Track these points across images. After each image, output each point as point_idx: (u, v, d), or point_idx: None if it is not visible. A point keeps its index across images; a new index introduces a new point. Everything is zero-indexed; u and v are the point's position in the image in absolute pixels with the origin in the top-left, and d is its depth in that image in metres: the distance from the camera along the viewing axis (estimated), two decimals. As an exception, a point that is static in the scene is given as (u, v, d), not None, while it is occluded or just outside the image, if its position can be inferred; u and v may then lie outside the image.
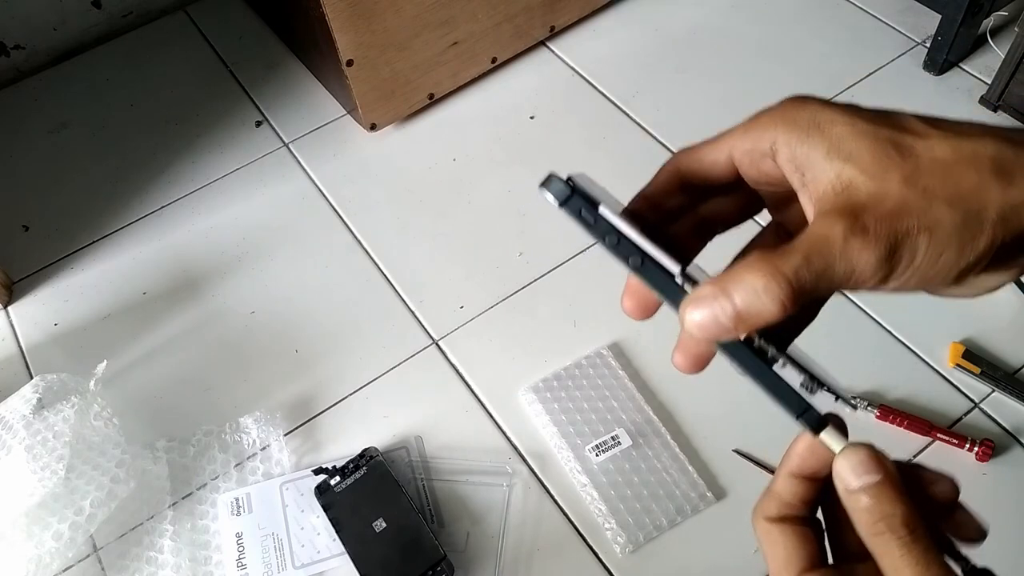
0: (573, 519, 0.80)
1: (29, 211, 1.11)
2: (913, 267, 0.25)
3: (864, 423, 0.82)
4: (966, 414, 0.83)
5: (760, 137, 0.27)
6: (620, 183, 1.14)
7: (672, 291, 0.27)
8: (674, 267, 0.26)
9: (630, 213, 0.30)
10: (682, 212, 0.31)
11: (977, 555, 0.28)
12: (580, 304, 0.93)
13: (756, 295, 0.24)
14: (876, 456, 0.27)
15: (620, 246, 0.27)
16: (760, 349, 0.27)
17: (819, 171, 0.26)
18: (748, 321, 0.25)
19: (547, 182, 0.28)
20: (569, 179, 0.28)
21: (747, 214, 0.32)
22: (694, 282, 0.27)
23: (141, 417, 0.89)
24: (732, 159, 0.29)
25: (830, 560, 0.28)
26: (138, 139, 1.18)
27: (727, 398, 0.81)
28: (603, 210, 0.27)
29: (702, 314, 0.25)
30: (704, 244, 0.32)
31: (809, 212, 0.26)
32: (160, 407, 0.91)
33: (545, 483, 0.82)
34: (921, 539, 0.25)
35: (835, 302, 0.97)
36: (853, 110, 0.26)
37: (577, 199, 0.27)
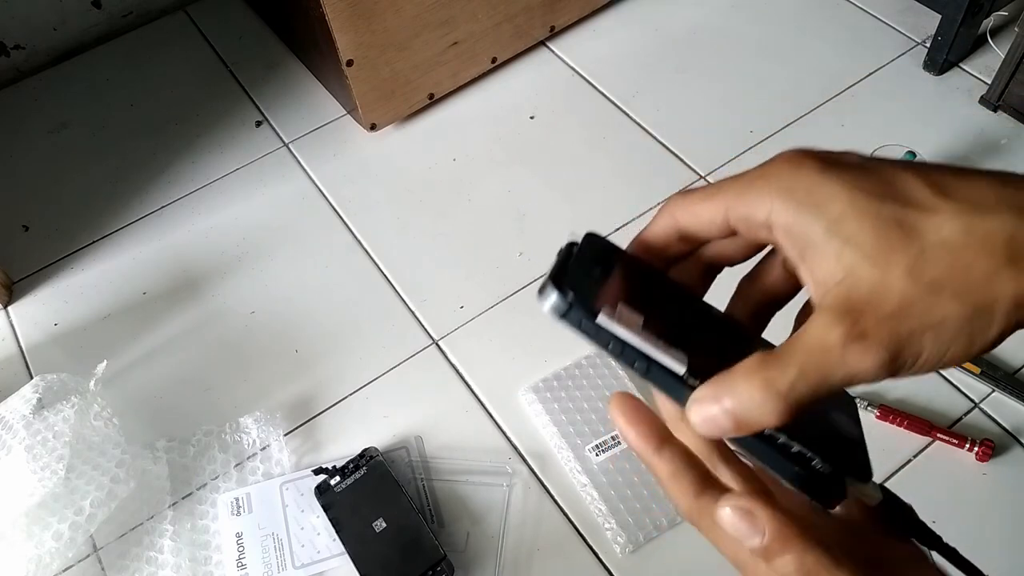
0: (573, 519, 0.80)
1: (29, 211, 1.11)
2: (919, 364, 0.23)
3: (864, 423, 0.82)
4: (966, 414, 0.83)
5: (755, 205, 0.26)
6: (620, 183, 1.14)
7: (679, 391, 0.27)
8: (679, 368, 0.26)
9: (631, 263, 0.30)
10: (684, 256, 0.30)
11: (976, 553, 0.28)
12: (580, 304, 0.93)
13: (751, 405, 0.24)
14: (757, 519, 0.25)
15: (625, 353, 0.27)
16: (769, 436, 0.26)
17: (818, 252, 0.24)
18: (749, 426, 0.24)
19: (543, 292, 0.27)
20: (567, 291, 0.27)
21: (752, 253, 0.31)
22: (701, 379, 0.26)
23: (141, 417, 0.89)
24: (728, 220, 0.27)
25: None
26: (138, 139, 1.18)
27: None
28: (602, 319, 0.27)
29: (701, 417, 0.25)
30: (711, 282, 0.31)
31: (809, 288, 0.25)
32: (160, 407, 0.91)
33: (545, 483, 0.82)
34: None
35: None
36: (854, 179, 0.24)
37: (576, 312, 0.27)
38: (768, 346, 0.27)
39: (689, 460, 0.27)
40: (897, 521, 0.28)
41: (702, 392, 0.25)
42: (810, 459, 0.26)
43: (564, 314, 0.27)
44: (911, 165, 0.25)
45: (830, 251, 0.24)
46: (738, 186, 0.26)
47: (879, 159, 0.25)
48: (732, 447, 0.28)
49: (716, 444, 0.29)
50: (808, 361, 0.23)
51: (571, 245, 0.30)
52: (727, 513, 0.24)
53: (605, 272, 0.29)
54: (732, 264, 0.30)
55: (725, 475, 0.28)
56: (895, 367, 0.23)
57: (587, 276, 0.28)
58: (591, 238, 0.31)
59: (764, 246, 0.29)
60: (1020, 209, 0.23)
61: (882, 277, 0.23)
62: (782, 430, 0.26)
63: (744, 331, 0.31)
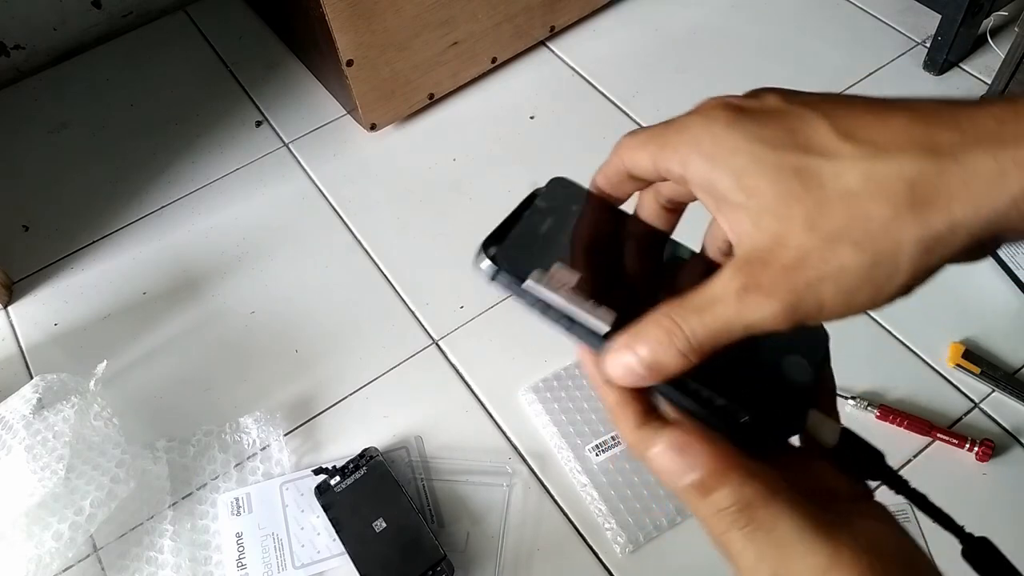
0: (573, 519, 0.80)
1: (29, 211, 1.11)
2: (825, 312, 0.24)
3: (864, 423, 0.82)
4: (966, 414, 0.83)
5: (672, 160, 0.26)
6: (620, 183, 1.10)
7: (594, 339, 0.28)
8: (603, 328, 0.27)
9: (596, 208, 0.31)
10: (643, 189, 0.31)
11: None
12: (580, 304, 0.93)
13: (660, 350, 0.25)
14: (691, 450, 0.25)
15: (548, 314, 0.28)
16: (694, 390, 0.27)
17: (728, 206, 0.25)
18: (660, 372, 0.25)
19: (479, 257, 0.29)
20: (494, 256, 0.29)
21: None
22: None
23: (141, 417, 0.89)
24: (656, 169, 0.27)
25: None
26: (138, 139, 1.18)
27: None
28: (528, 284, 0.28)
29: (615, 367, 0.26)
30: (677, 218, 0.32)
31: (730, 239, 0.26)
32: (160, 407, 0.91)
33: (545, 483, 0.82)
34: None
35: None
36: (759, 129, 0.24)
37: (503, 276, 0.28)
38: None
39: (635, 393, 0.27)
40: (856, 465, 0.28)
41: (617, 342, 0.26)
42: (734, 410, 0.26)
43: (492, 278, 0.29)
44: (826, 104, 0.25)
45: (737, 205, 0.24)
46: (662, 137, 0.27)
47: (802, 98, 0.25)
48: (663, 403, 0.28)
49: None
50: (708, 310, 0.24)
51: (532, 196, 0.31)
52: (661, 450, 0.25)
53: (558, 223, 0.30)
54: (689, 201, 0.30)
55: (671, 411, 0.28)
56: (796, 316, 0.23)
57: (533, 232, 0.30)
58: (557, 184, 0.32)
59: None
60: (927, 148, 0.22)
61: (781, 229, 0.23)
62: (708, 383, 0.26)
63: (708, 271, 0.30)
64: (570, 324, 0.27)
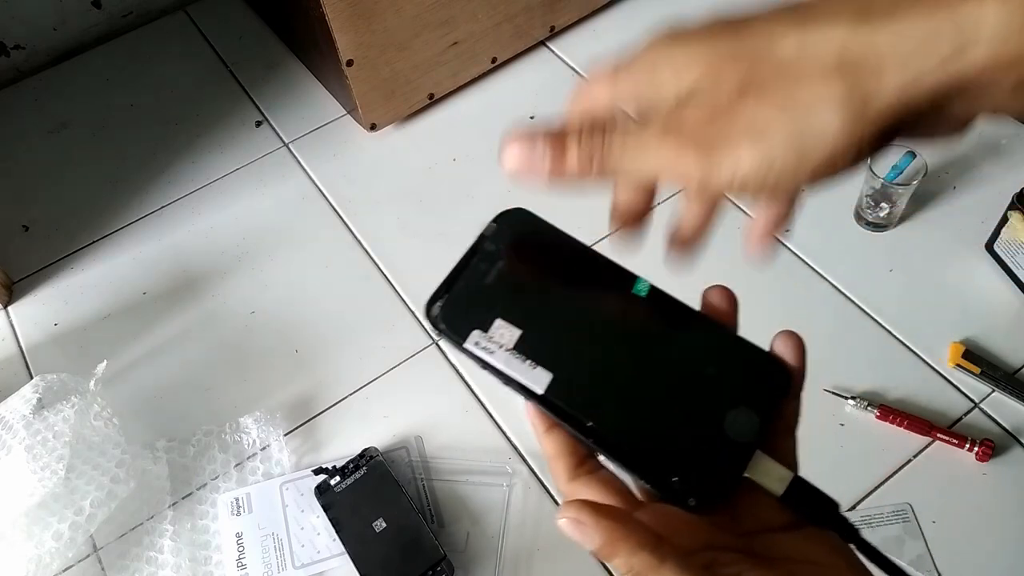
0: (573, 519, 0.80)
1: (29, 211, 1.11)
2: (742, 170, 0.23)
3: (864, 423, 0.82)
4: (966, 414, 0.83)
5: (629, 80, 0.27)
6: (620, 183, 1.09)
7: (532, 397, 0.28)
8: (538, 389, 0.28)
9: (548, 247, 0.31)
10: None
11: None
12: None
13: (581, 159, 0.26)
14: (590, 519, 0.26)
15: (488, 368, 0.29)
16: (626, 453, 0.28)
17: (666, 99, 0.25)
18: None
19: (427, 312, 0.30)
20: (438, 317, 0.29)
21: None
22: (553, 405, 0.28)
23: (141, 417, 0.89)
24: (616, 93, 0.28)
25: None
26: (138, 139, 1.18)
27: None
28: (467, 345, 0.29)
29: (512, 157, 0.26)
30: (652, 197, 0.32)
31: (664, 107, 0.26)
32: (160, 407, 0.91)
33: (545, 483, 0.82)
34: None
35: (835, 302, 0.97)
36: (701, 30, 0.25)
37: (445, 337, 0.29)
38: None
39: (571, 446, 0.29)
40: (807, 514, 0.28)
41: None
42: (663, 473, 0.27)
43: (439, 335, 0.30)
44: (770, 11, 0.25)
45: (675, 92, 0.25)
46: (618, 70, 0.27)
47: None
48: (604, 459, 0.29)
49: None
50: (628, 139, 0.25)
51: (481, 238, 0.31)
52: (564, 522, 0.26)
53: (505, 269, 0.30)
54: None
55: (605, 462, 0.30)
56: (710, 167, 0.24)
57: (477, 284, 0.30)
58: (508, 218, 0.31)
59: None
60: (861, 13, 0.22)
61: (711, 90, 0.24)
62: (643, 440, 0.27)
63: (664, 310, 0.30)
64: (508, 380, 0.28)
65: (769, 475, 0.27)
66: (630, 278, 0.30)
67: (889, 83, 0.22)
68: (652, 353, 0.29)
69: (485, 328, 0.29)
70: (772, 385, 0.28)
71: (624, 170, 0.26)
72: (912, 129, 0.23)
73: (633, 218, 0.30)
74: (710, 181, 0.24)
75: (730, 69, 0.24)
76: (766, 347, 0.30)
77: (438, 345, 0.93)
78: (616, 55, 0.27)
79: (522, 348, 0.28)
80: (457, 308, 0.29)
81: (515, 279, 0.30)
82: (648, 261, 0.34)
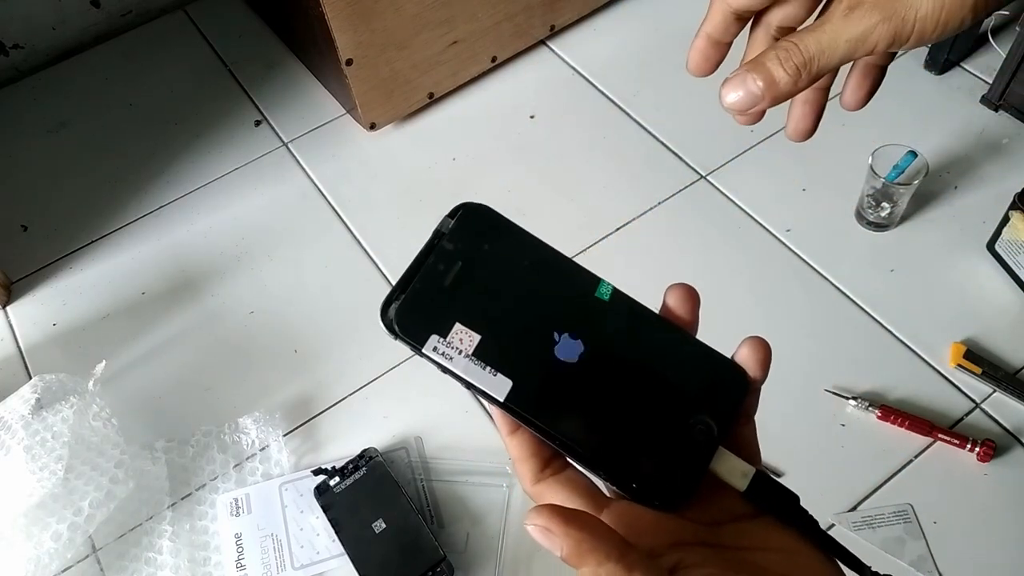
0: (573, 520, 0.80)
1: (28, 211, 1.11)
2: (920, 20, 0.27)
3: (865, 423, 0.82)
4: (967, 414, 0.83)
5: None
6: (620, 182, 1.14)
7: (494, 402, 0.28)
8: (499, 396, 0.28)
9: (508, 245, 0.30)
10: (753, 25, 0.34)
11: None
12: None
13: (775, 68, 0.29)
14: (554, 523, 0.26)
15: (449, 376, 0.28)
16: (587, 458, 0.28)
17: None
18: (776, 90, 0.29)
19: (382, 316, 0.29)
20: (393, 322, 0.28)
21: (814, 7, 0.33)
22: (513, 410, 0.28)
23: (140, 417, 0.89)
24: None
25: None
26: (137, 139, 1.17)
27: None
28: (426, 351, 0.28)
29: (731, 95, 0.30)
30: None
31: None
32: (159, 407, 0.91)
33: (545, 484, 0.82)
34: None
35: (836, 302, 0.97)
36: None
37: (401, 340, 0.28)
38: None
39: (534, 448, 0.29)
40: (769, 507, 0.28)
41: (735, 73, 0.30)
42: (624, 476, 0.27)
43: (394, 339, 0.28)
44: None
45: None
46: None
47: None
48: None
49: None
50: (819, 29, 0.29)
51: (437, 235, 0.30)
52: (533, 528, 0.26)
53: (464, 270, 0.29)
54: (801, 23, 0.33)
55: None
56: (894, 26, 0.28)
57: (435, 286, 0.29)
58: (467, 216, 0.30)
59: None
60: None
61: None
62: (605, 445, 0.27)
63: (619, 312, 0.30)
64: (469, 386, 0.28)
65: (732, 472, 0.28)
66: (593, 281, 0.30)
67: None
68: (614, 357, 0.29)
69: (443, 333, 0.28)
70: (731, 389, 0.29)
71: (829, 66, 0.29)
72: None
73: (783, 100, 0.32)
74: (899, 39, 0.28)
75: None
76: (731, 355, 0.30)
77: (438, 345, 0.93)
78: None
79: (481, 354, 0.28)
80: (414, 312, 0.28)
81: (474, 281, 0.29)
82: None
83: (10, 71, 1.27)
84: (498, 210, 0.31)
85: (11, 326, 1.00)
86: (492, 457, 0.84)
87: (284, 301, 0.99)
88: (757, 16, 0.33)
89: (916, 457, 0.80)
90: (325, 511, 0.79)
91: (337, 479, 0.80)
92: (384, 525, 0.77)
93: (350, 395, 0.90)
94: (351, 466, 0.81)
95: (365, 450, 0.82)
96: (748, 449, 0.29)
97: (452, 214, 0.30)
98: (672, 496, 0.27)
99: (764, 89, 0.29)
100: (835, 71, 0.31)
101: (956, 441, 0.79)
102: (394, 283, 0.29)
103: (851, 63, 0.31)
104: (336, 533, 0.77)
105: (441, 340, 0.28)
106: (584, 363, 0.28)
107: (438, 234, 0.30)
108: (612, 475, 0.28)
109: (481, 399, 0.28)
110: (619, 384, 0.28)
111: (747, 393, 0.29)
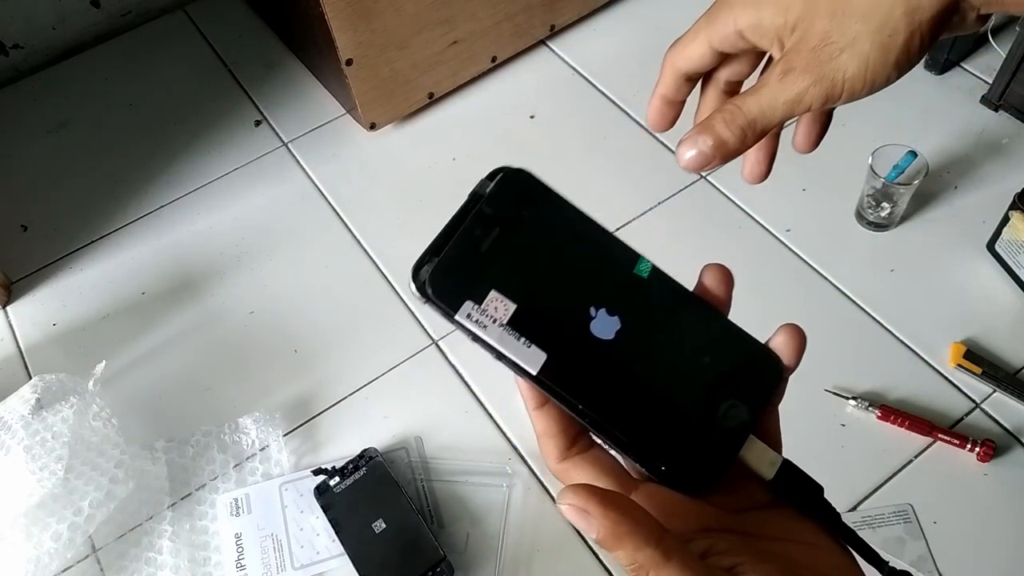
0: (573, 520, 0.80)
1: (28, 211, 1.11)
2: (849, 81, 0.29)
3: (865, 423, 0.82)
4: (967, 414, 0.83)
5: (724, 24, 0.32)
6: (620, 182, 1.14)
7: (526, 375, 0.27)
8: (532, 370, 0.27)
9: (549, 213, 0.30)
10: (704, 83, 0.36)
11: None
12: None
13: (723, 130, 0.31)
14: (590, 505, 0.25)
15: (480, 342, 0.27)
16: (619, 438, 0.27)
17: (771, 29, 0.31)
18: (725, 149, 0.31)
19: (414, 277, 0.28)
20: (426, 284, 0.27)
21: (754, 62, 0.35)
22: (546, 384, 0.27)
23: (140, 417, 0.89)
24: (713, 48, 0.33)
25: None
26: (137, 139, 1.17)
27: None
28: (459, 318, 0.27)
29: (685, 157, 0.32)
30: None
31: (775, 51, 0.32)
32: (159, 407, 0.91)
33: (545, 484, 0.82)
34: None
35: (836, 302, 0.97)
36: None
37: (433, 306, 0.27)
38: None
39: (562, 424, 0.28)
40: (793, 498, 0.28)
41: (687, 135, 0.32)
42: (653, 459, 0.27)
43: (425, 302, 0.27)
44: None
45: (780, 25, 0.31)
46: (706, 18, 0.33)
47: None
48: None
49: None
50: (757, 93, 0.31)
51: (476, 196, 0.29)
52: (567, 508, 0.25)
53: (502, 236, 0.28)
54: (746, 78, 0.36)
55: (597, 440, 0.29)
56: (825, 88, 0.30)
57: (471, 250, 0.28)
58: (508, 180, 0.29)
59: (760, 54, 0.35)
60: None
61: (809, 23, 0.30)
62: (635, 428, 0.27)
63: (662, 290, 0.29)
64: (501, 357, 0.27)
65: (761, 460, 0.28)
66: (633, 257, 0.29)
67: None
68: (650, 336, 0.28)
69: (479, 300, 0.27)
70: (765, 375, 0.28)
71: (771, 126, 0.31)
72: (949, 27, 0.30)
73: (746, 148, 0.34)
74: (831, 98, 0.30)
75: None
76: (765, 341, 0.30)
77: (438, 345, 0.93)
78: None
79: (516, 324, 0.27)
80: (448, 275, 0.27)
81: (512, 247, 0.28)
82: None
83: (10, 71, 1.27)
84: (538, 176, 0.29)
85: (11, 326, 1.00)
86: (492, 457, 0.84)
87: (284, 301, 0.98)
88: (707, 75, 0.35)
89: (916, 457, 0.80)
90: (325, 511, 0.79)
91: (337, 479, 0.80)
92: (384, 525, 0.77)
93: (350, 395, 0.90)
94: (351, 466, 0.81)
95: (365, 450, 0.82)
96: (772, 437, 0.29)
97: (491, 176, 0.29)
98: (701, 480, 0.27)
99: (714, 149, 0.31)
100: (780, 127, 0.33)
101: (956, 441, 0.79)
102: (425, 247, 0.28)
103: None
104: (336, 533, 0.77)
105: (476, 307, 0.27)
106: (620, 340, 0.27)
107: (476, 196, 0.29)
108: (641, 456, 0.27)
109: (512, 370, 0.27)
110: (654, 364, 0.28)
111: (781, 379, 0.29)
